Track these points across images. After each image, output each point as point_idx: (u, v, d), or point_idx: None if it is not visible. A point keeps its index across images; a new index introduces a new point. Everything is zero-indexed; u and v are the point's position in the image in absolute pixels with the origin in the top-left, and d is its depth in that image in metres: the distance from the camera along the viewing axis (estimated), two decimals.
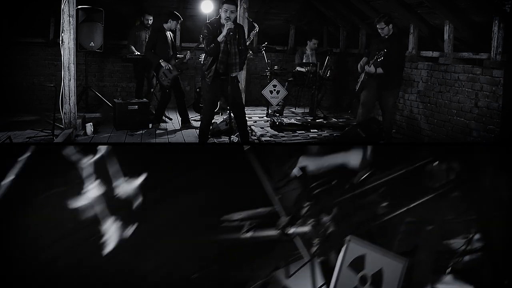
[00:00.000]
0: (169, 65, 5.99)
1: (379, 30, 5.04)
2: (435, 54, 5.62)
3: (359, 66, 5.21)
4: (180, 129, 6.27)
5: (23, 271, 2.23)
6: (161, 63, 5.96)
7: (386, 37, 5.00)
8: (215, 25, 4.47)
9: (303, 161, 2.55)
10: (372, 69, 4.95)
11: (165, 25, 6.14)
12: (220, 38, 4.39)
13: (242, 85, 5.86)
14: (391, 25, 4.97)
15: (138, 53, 6.79)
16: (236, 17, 4.59)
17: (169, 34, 6.20)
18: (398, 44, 5.04)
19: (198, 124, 6.32)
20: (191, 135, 5.93)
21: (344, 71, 8.01)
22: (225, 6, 4.36)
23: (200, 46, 6.44)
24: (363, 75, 5.14)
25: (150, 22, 6.90)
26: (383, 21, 4.95)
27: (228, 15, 4.35)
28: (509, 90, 4.22)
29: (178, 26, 7.67)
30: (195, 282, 2.35)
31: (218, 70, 4.45)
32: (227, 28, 4.33)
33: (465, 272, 2.46)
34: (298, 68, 7.17)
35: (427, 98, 5.79)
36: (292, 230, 2.42)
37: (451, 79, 5.33)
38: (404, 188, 2.54)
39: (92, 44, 6.71)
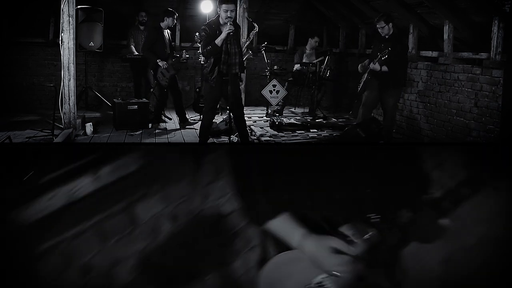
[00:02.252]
0: (167, 65, 5.99)
1: (379, 30, 5.03)
2: (435, 54, 5.62)
3: (360, 66, 5.20)
4: (180, 128, 6.27)
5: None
6: (159, 62, 5.96)
7: (387, 36, 5.00)
8: (213, 27, 4.40)
9: None
10: (377, 66, 4.90)
11: (162, 24, 6.13)
12: (218, 41, 4.32)
13: (242, 85, 5.84)
14: (391, 24, 4.97)
15: (137, 53, 6.79)
16: (235, 17, 4.56)
17: (166, 33, 6.19)
18: (399, 44, 5.04)
19: (198, 124, 6.34)
20: (191, 135, 5.92)
21: (344, 71, 8.01)
22: (225, 6, 4.26)
23: (194, 45, 6.43)
24: (365, 75, 5.12)
25: (145, 19, 6.88)
26: (383, 20, 4.95)
27: (229, 15, 4.27)
28: (509, 90, 4.21)
29: (178, 26, 7.67)
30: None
31: (222, 71, 4.39)
32: (227, 31, 4.27)
33: None
34: (296, 66, 7.16)
35: (426, 98, 5.78)
36: None
37: (451, 79, 5.33)
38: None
39: (91, 44, 6.71)
